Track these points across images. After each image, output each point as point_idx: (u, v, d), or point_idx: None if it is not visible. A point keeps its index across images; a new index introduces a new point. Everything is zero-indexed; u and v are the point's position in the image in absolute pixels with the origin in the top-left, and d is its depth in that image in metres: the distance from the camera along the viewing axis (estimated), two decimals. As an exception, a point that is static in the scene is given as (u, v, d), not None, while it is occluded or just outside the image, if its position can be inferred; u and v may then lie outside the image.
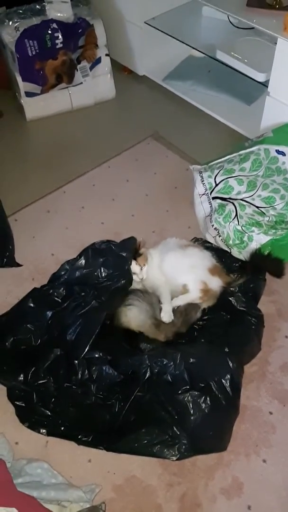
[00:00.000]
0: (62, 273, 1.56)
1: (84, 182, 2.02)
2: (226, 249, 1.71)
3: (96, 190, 1.99)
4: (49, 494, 1.17)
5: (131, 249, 1.54)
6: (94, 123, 2.30)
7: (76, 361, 1.34)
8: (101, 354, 1.33)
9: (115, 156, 2.13)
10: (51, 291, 1.49)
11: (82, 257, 1.56)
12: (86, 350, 1.33)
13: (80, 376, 1.32)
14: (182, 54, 2.50)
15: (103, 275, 1.50)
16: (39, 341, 1.40)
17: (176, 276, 1.52)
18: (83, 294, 1.45)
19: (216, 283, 1.51)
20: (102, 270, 1.51)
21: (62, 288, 1.49)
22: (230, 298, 1.49)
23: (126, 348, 1.37)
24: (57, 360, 1.35)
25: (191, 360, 1.28)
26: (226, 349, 1.32)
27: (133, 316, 1.43)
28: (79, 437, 1.29)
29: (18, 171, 2.06)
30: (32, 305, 1.47)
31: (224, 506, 1.24)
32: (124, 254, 1.52)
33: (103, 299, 1.42)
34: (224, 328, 1.40)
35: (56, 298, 1.48)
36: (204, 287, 1.48)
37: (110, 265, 1.51)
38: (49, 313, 1.44)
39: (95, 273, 1.51)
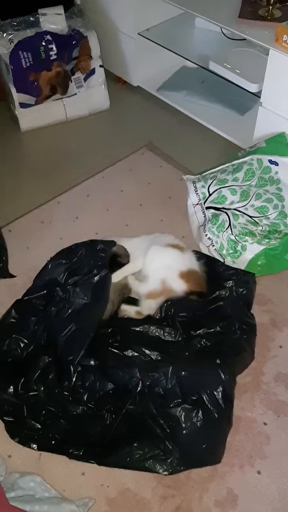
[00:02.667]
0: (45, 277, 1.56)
1: (79, 193, 2.03)
2: (220, 259, 1.72)
3: (90, 201, 2.00)
4: (42, 508, 1.16)
5: (110, 244, 1.57)
6: (88, 134, 2.31)
7: (71, 366, 1.33)
8: (95, 362, 1.32)
9: (109, 166, 2.13)
10: (34, 300, 1.49)
11: (62, 258, 1.56)
12: (81, 354, 1.32)
13: (72, 382, 1.31)
14: (176, 65, 2.52)
15: (84, 271, 1.49)
16: (26, 351, 1.40)
17: (145, 266, 1.56)
18: (64, 296, 1.44)
19: (179, 287, 1.51)
20: (80, 268, 1.50)
21: (44, 293, 1.49)
22: (221, 303, 1.47)
23: (114, 352, 1.36)
24: (46, 368, 1.34)
25: (183, 373, 1.28)
26: (218, 360, 1.31)
27: None
28: (70, 451, 1.28)
29: (12, 182, 2.07)
30: (15, 316, 1.47)
31: (219, 519, 1.24)
32: (102, 247, 1.54)
33: (86, 299, 1.42)
34: (216, 336, 1.39)
35: (39, 306, 1.47)
36: (161, 286, 1.51)
37: (88, 261, 1.52)
38: (33, 322, 1.43)
39: (74, 271, 1.51)
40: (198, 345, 1.36)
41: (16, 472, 1.28)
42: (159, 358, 1.32)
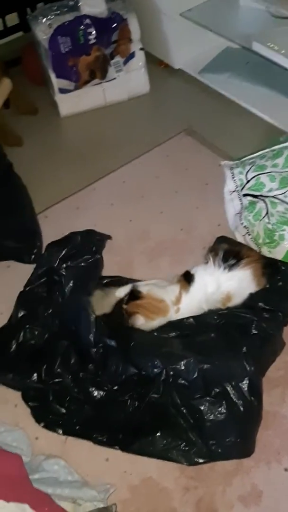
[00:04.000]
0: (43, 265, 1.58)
1: (115, 179, 2.02)
2: (256, 248, 1.66)
3: (126, 187, 1.98)
4: (63, 492, 1.18)
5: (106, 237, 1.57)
6: (127, 119, 2.28)
7: (93, 349, 1.34)
8: (115, 343, 1.32)
9: (147, 152, 2.10)
10: (36, 289, 1.50)
11: (58, 246, 1.58)
12: (91, 335, 1.33)
13: (94, 364, 1.33)
14: (220, 46, 2.43)
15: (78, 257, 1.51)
16: (43, 339, 1.41)
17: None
18: (59, 280, 1.45)
19: None
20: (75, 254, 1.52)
21: (44, 280, 1.51)
22: (255, 295, 1.42)
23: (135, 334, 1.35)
24: (66, 352, 1.35)
25: (205, 366, 1.25)
26: (244, 349, 1.27)
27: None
28: (94, 436, 1.29)
29: (50, 168, 2.08)
30: (23, 308, 1.48)
31: (241, 514, 1.21)
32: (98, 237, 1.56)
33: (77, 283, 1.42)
34: (243, 328, 1.34)
35: (42, 293, 1.49)
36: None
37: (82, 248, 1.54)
38: (41, 310, 1.44)
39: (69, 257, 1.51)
40: (224, 337, 1.32)
41: (42, 454, 1.31)
42: (181, 347, 1.29)
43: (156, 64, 2.49)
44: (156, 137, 2.16)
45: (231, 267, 1.42)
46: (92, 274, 1.47)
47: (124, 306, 1.39)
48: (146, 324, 1.38)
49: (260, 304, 1.39)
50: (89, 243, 1.54)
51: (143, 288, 1.43)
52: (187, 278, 1.45)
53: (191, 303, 1.42)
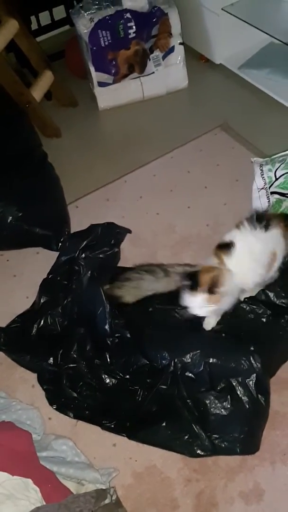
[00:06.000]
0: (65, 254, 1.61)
1: (146, 172, 2.04)
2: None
3: (156, 181, 2.00)
4: (67, 471, 1.23)
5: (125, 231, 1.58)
6: (163, 113, 2.29)
7: (108, 338, 1.37)
8: (129, 334, 1.35)
9: (180, 146, 2.11)
10: (57, 277, 1.53)
11: (79, 237, 1.61)
12: (106, 324, 1.36)
13: (108, 352, 1.36)
14: (262, 41, 2.39)
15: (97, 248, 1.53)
16: (61, 326, 1.46)
17: None
18: (78, 269, 1.48)
19: None
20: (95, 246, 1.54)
21: (66, 269, 1.54)
22: (268, 292, 1.41)
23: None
24: (83, 339, 1.39)
25: (211, 360, 1.25)
26: (252, 348, 1.26)
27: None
28: (103, 422, 1.33)
29: (85, 160, 2.13)
30: (46, 295, 1.53)
31: (241, 511, 1.22)
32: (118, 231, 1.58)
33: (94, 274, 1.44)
34: (254, 324, 1.33)
35: (63, 281, 1.52)
36: None
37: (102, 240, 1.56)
38: (61, 297, 1.49)
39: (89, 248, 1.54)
40: (234, 331, 1.32)
41: (53, 434, 1.36)
42: (188, 339, 1.30)
43: (197, 59, 2.48)
44: (191, 131, 2.16)
45: (266, 228, 1.35)
46: (109, 265, 1.50)
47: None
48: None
49: (273, 300, 1.37)
50: (109, 236, 1.58)
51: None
52: (225, 247, 1.35)
53: (240, 267, 1.30)
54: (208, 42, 2.39)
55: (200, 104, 2.32)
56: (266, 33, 2.13)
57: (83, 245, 1.54)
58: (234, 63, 2.38)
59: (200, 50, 2.46)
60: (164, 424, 1.28)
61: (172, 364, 1.29)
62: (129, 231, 1.63)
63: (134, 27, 2.14)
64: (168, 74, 2.30)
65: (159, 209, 1.88)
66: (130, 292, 1.50)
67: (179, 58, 2.29)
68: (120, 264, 1.67)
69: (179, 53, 2.28)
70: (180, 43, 2.26)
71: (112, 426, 1.33)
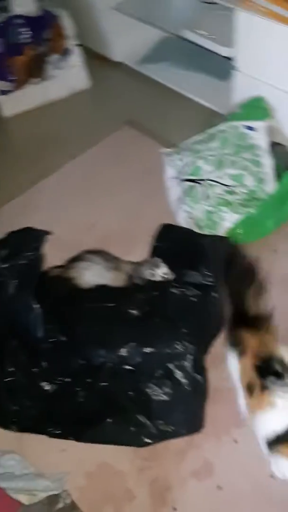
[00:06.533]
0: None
1: (61, 176, 2.03)
2: (199, 231, 1.70)
3: (72, 183, 2.00)
4: (17, 485, 1.21)
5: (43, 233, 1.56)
6: (71, 115, 2.30)
7: (42, 345, 1.35)
8: (65, 338, 1.34)
9: (92, 146, 2.13)
10: None
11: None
12: (40, 332, 1.35)
13: (45, 359, 1.34)
14: (158, 36, 2.47)
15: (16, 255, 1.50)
16: None
17: None
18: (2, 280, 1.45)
19: None
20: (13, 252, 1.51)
21: None
22: (194, 273, 1.45)
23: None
24: (16, 351, 1.37)
25: (147, 350, 1.27)
26: (184, 330, 1.30)
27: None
28: (49, 430, 1.31)
29: (-3, 170, 2.09)
30: None
31: (195, 488, 1.25)
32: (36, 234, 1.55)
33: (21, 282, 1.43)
34: (184, 305, 1.37)
35: None
36: None
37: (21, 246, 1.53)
38: None
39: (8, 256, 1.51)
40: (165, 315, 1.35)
41: (-1, 451, 1.33)
42: (121, 332, 1.32)
43: (96, 59, 2.50)
44: (100, 131, 2.18)
45: None
46: (35, 271, 1.47)
47: None
48: None
49: (201, 281, 1.42)
50: (29, 241, 1.55)
51: None
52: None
53: None
54: (105, 41, 2.42)
55: (106, 103, 2.34)
56: (156, 27, 2.20)
57: (3, 255, 1.51)
58: (134, 60, 2.43)
59: (98, 50, 2.49)
60: (109, 420, 1.29)
61: (110, 360, 1.30)
62: (49, 233, 1.61)
63: (27, 32, 2.12)
64: (68, 76, 2.31)
65: (78, 211, 1.88)
66: (82, 274, 1.49)
67: (77, 60, 2.30)
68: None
69: (77, 55, 2.29)
70: (77, 45, 2.27)
71: (59, 432, 1.31)
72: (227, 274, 1.44)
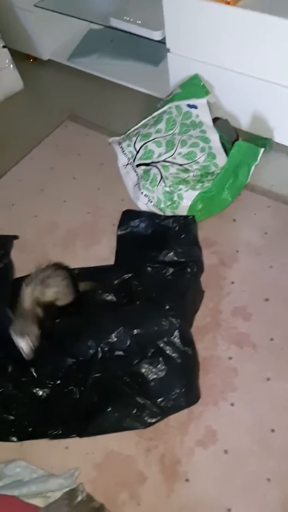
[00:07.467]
0: None
1: (10, 179, 1.99)
2: (160, 213, 1.72)
3: (24, 184, 1.97)
4: (30, 490, 1.19)
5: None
6: (9, 118, 2.25)
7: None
8: (48, 341, 1.33)
9: (36, 146, 2.10)
10: None
11: None
12: None
13: (32, 366, 1.33)
14: (83, 29, 2.46)
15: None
16: None
17: None
18: None
19: None
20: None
21: None
22: (167, 252, 1.48)
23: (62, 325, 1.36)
24: (2, 363, 1.35)
25: (135, 331, 1.30)
26: (167, 306, 1.33)
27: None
28: (49, 432, 1.30)
29: None
30: None
31: (202, 456, 1.28)
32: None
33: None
34: (162, 283, 1.40)
35: None
36: None
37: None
38: None
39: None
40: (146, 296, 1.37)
41: (1, 462, 1.30)
42: (107, 319, 1.33)
43: (25, 59, 2.47)
44: (42, 129, 2.16)
45: None
46: (6, 279, 1.45)
47: None
48: None
49: (174, 259, 1.45)
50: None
51: None
52: None
53: None
54: (30, 40, 2.38)
55: (42, 102, 2.32)
56: (82, 19, 2.19)
57: None
58: (62, 56, 2.41)
59: (25, 50, 2.45)
60: (109, 408, 1.29)
61: (99, 349, 1.30)
62: (15, 237, 1.58)
63: None
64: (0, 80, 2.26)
65: (36, 211, 1.86)
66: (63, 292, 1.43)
67: (6, 62, 2.25)
68: (15, 276, 1.63)
69: (5, 57, 2.24)
70: (3, 46, 2.22)
71: (60, 432, 1.31)
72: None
